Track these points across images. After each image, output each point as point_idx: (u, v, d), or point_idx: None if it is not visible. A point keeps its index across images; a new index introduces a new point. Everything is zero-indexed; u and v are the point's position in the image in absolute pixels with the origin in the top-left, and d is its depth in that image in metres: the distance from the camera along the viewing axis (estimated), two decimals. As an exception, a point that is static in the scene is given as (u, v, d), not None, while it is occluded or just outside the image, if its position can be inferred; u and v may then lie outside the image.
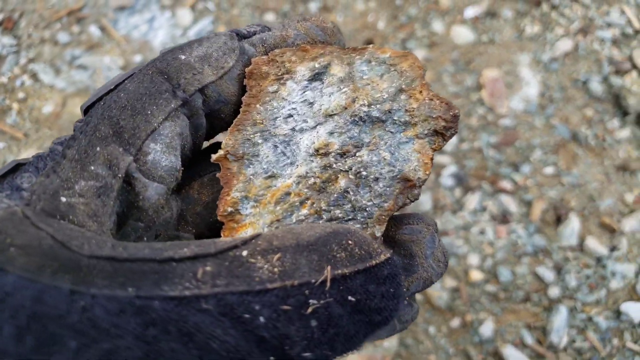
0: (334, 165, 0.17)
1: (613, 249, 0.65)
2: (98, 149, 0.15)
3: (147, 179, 0.16)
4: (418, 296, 0.65)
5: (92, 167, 0.15)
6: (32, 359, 0.11)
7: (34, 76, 0.74)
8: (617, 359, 0.59)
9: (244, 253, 0.12)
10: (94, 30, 0.78)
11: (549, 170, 0.69)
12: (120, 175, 0.15)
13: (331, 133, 0.17)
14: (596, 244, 0.65)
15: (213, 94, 0.17)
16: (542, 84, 0.74)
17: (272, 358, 0.12)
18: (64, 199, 0.14)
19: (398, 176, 0.17)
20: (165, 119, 0.16)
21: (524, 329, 0.62)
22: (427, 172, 0.17)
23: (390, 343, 0.58)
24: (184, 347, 0.11)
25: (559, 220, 0.67)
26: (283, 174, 0.17)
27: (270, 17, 0.81)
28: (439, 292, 0.64)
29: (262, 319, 0.11)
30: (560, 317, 0.61)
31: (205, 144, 0.20)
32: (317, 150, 0.17)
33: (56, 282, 0.12)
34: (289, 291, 0.12)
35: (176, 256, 0.12)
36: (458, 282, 0.64)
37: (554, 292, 0.63)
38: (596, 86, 0.72)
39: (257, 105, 0.17)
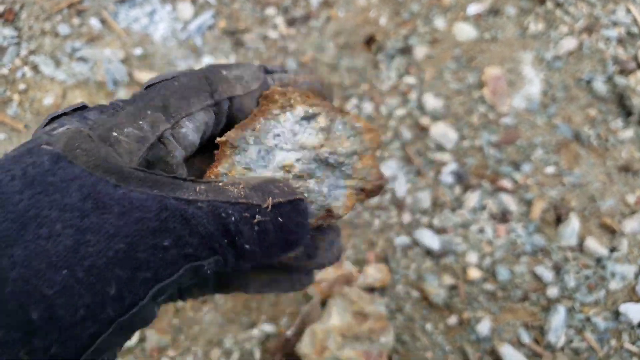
0: (289, 182, 0.23)
1: (613, 249, 0.64)
2: (149, 112, 0.21)
3: (177, 143, 0.22)
4: (415, 293, 0.65)
5: (141, 122, 0.20)
6: (91, 215, 0.17)
7: (35, 68, 0.74)
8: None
9: (221, 184, 0.20)
10: (94, 22, 0.77)
11: (550, 169, 0.69)
12: (157, 134, 0.21)
13: (297, 159, 0.24)
14: (596, 245, 0.64)
15: (236, 103, 0.24)
16: (545, 82, 0.73)
17: (226, 241, 0.19)
18: (114, 134, 0.19)
19: (325, 207, 0.24)
20: (201, 109, 0.22)
21: (522, 328, 0.62)
22: (346, 212, 0.24)
23: (387, 339, 0.58)
24: (183, 226, 0.18)
25: (559, 220, 0.66)
26: (256, 171, 0.23)
27: (271, 12, 0.81)
28: (436, 289, 0.64)
29: (232, 218, 0.19)
30: (558, 317, 0.61)
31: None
32: (283, 167, 0.23)
33: (106, 177, 0.17)
34: (249, 206, 0.19)
35: (187, 178, 0.20)
36: (456, 280, 0.64)
37: (553, 291, 0.63)
38: (600, 86, 0.71)
39: (261, 119, 0.24)
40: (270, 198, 0.20)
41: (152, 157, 0.21)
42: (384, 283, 0.64)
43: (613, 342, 0.60)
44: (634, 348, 0.59)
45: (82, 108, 0.21)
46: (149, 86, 0.22)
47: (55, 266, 0.15)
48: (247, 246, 0.19)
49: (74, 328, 0.15)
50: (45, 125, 0.20)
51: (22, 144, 0.19)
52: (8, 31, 0.75)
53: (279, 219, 0.20)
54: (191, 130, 0.22)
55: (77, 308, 0.15)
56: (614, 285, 0.62)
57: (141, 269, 0.17)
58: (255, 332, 0.62)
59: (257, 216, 0.19)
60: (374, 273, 0.64)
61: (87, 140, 0.18)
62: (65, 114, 0.20)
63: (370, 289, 0.64)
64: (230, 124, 0.24)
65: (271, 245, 0.20)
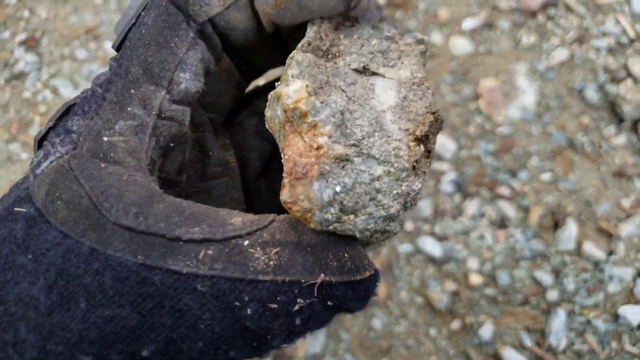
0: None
1: (610, 253, 0.66)
2: (132, 91, 0.16)
3: (180, 105, 0.18)
4: (419, 299, 0.67)
5: (129, 108, 0.16)
6: (55, 313, 0.13)
7: (55, 91, 0.79)
8: (615, 360, 0.60)
9: (246, 242, 0.14)
10: (109, 46, 0.82)
11: (546, 176, 0.71)
12: (154, 112, 0.17)
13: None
14: (593, 248, 0.66)
15: (220, 23, 0.18)
16: (539, 92, 0.76)
17: (243, 343, 0.12)
18: (105, 139, 0.16)
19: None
20: (189, 48, 0.18)
21: (523, 331, 0.63)
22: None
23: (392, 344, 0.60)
24: (174, 323, 0.12)
25: (556, 225, 0.69)
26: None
27: None
28: (439, 295, 0.66)
29: (249, 310, 0.12)
30: (558, 320, 0.63)
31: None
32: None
33: (82, 239, 0.13)
34: (279, 286, 0.13)
35: (184, 237, 0.14)
36: (458, 286, 0.66)
37: (552, 295, 0.65)
38: (592, 94, 0.74)
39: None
40: (322, 274, 0.13)
41: (164, 141, 0.17)
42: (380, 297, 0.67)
43: (614, 344, 0.61)
44: (634, 350, 0.61)
45: (67, 111, 0.17)
46: (118, 47, 0.18)
47: None
48: (285, 345, 0.13)
49: None
50: (38, 144, 0.17)
51: (6, 195, 0.16)
52: (30, 57, 0.80)
53: (329, 302, 0.14)
54: (190, 81, 0.18)
55: None
56: (613, 288, 0.64)
57: None
58: None
59: (298, 300, 0.13)
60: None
61: (69, 183, 0.15)
62: (51, 129, 0.17)
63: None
64: (227, 42, 0.19)
65: (319, 325, 0.14)
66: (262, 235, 0.14)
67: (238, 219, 0.15)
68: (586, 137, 0.72)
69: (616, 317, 0.62)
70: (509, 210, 0.70)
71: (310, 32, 0.19)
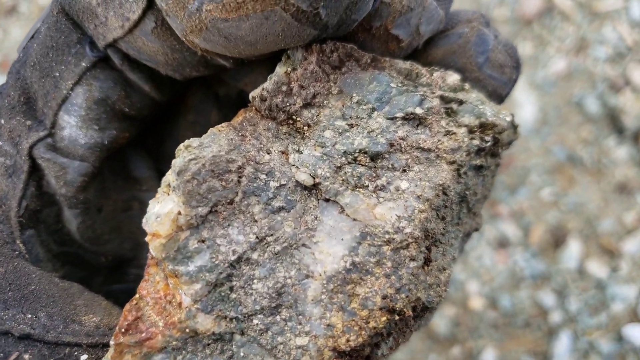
0: None
1: (613, 271, 0.64)
2: (2, 121, 0.13)
3: (66, 157, 0.13)
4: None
5: (1, 143, 0.12)
6: None
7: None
8: (620, 385, 0.59)
9: (83, 358, 0.11)
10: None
11: (546, 193, 0.69)
12: (24, 154, 0.12)
13: None
14: (596, 267, 0.65)
15: (129, 51, 0.13)
16: (537, 105, 0.74)
17: None
18: None
19: None
20: (77, 83, 0.13)
21: (526, 355, 0.62)
22: None
23: (392, 375, 0.58)
24: None
25: (557, 243, 0.67)
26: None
27: None
28: (438, 319, 0.64)
29: None
30: (562, 342, 0.61)
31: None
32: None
33: None
34: None
35: (12, 331, 0.11)
36: (458, 310, 0.64)
37: (555, 316, 0.63)
38: (591, 105, 0.72)
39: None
40: None
41: (50, 189, 0.13)
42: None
43: (618, 365, 0.60)
44: (639, 370, 0.59)
45: None
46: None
47: None
48: None
49: None
50: None
51: None
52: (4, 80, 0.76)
53: None
54: (77, 128, 0.13)
55: None
56: (616, 307, 0.62)
57: None
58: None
59: None
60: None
61: None
62: None
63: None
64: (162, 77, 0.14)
65: None
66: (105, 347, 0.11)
67: (94, 318, 0.11)
68: (586, 151, 0.70)
69: (620, 337, 0.61)
70: (509, 229, 0.68)
71: (274, 76, 0.12)
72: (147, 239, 0.11)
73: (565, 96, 0.73)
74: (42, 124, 0.13)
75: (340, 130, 0.12)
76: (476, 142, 0.13)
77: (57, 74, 0.12)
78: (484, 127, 0.13)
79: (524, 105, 0.74)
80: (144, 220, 0.11)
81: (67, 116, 0.13)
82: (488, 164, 0.14)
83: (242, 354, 0.10)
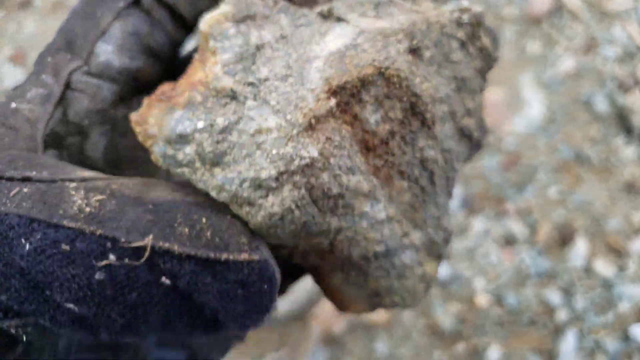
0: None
1: (620, 270, 0.64)
2: (49, 58, 0.15)
3: (100, 79, 0.16)
4: (423, 321, 0.65)
5: (43, 76, 0.15)
6: None
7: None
8: (627, 384, 0.59)
9: (72, 185, 0.11)
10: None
11: (553, 191, 0.69)
12: (62, 82, 0.15)
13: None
14: (603, 266, 0.64)
15: None
16: (544, 103, 0.74)
17: (33, 290, 0.10)
18: (13, 105, 0.14)
19: None
20: (115, 19, 0.16)
21: (531, 353, 0.62)
22: None
23: (396, 370, 0.59)
24: None
25: (564, 242, 0.67)
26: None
27: None
28: (443, 316, 0.64)
29: (27, 248, 0.10)
30: (568, 340, 0.61)
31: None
32: None
33: None
34: (88, 237, 0.10)
35: (6, 175, 0.11)
36: (463, 306, 0.64)
37: (561, 315, 0.63)
38: (599, 104, 0.72)
39: None
40: (151, 235, 0.10)
41: (77, 117, 0.15)
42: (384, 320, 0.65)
43: (624, 364, 0.60)
44: (645, 370, 0.59)
45: None
46: None
47: None
48: (69, 305, 0.10)
49: None
50: None
51: None
52: (18, 72, 0.77)
53: (164, 279, 0.10)
54: (113, 54, 0.16)
55: None
56: (623, 306, 0.62)
57: None
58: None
59: (109, 256, 0.10)
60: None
61: None
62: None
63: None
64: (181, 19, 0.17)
65: (131, 318, 0.11)
66: (96, 182, 0.11)
67: (89, 173, 0.12)
68: (593, 150, 0.70)
69: (627, 336, 0.61)
70: (516, 227, 0.68)
71: None
72: (201, 29, 0.14)
73: (574, 95, 0.73)
74: (78, 55, 0.16)
75: None
76: (456, 14, 0.17)
77: (99, 15, 0.16)
78: (462, 11, 0.17)
79: (531, 103, 0.74)
80: (200, 21, 0.15)
81: (104, 45, 0.16)
82: (470, 46, 0.18)
83: (252, 113, 0.13)
